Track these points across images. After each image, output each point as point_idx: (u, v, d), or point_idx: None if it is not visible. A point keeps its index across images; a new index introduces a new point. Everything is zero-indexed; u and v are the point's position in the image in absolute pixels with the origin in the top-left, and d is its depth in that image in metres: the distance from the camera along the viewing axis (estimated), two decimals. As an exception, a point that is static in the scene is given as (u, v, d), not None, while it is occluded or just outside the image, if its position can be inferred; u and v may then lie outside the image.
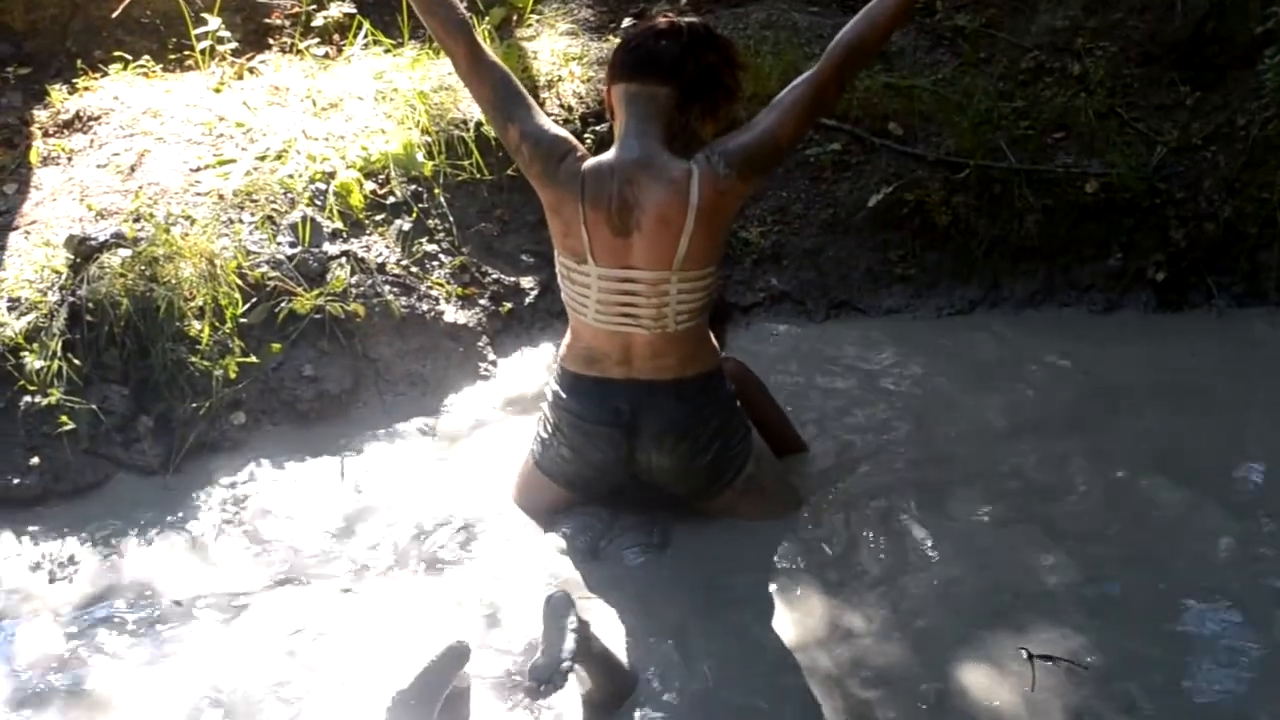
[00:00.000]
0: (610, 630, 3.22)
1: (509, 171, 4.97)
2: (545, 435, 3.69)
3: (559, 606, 2.97)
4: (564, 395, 3.62)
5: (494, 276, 4.81)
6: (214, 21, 5.32)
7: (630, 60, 3.47)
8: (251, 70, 5.37)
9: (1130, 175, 5.11)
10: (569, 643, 2.89)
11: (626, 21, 5.70)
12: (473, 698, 3.11)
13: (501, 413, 4.33)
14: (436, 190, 4.85)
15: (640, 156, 3.43)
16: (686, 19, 3.59)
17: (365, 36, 5.43)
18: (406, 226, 4.67)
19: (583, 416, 3.58)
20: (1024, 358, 4.70)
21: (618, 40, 3.58)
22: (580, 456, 3.63)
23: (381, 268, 4.50)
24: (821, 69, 3.42)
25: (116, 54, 5.32)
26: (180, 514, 3.83)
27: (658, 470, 3.62)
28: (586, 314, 3.52)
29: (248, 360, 4.14)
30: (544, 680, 2.85)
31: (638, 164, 3.42)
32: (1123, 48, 5.59)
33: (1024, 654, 3.19)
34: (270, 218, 4.48)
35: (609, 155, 3.49)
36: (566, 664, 2.87)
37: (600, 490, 3.70)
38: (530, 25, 5.72)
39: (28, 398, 3.92)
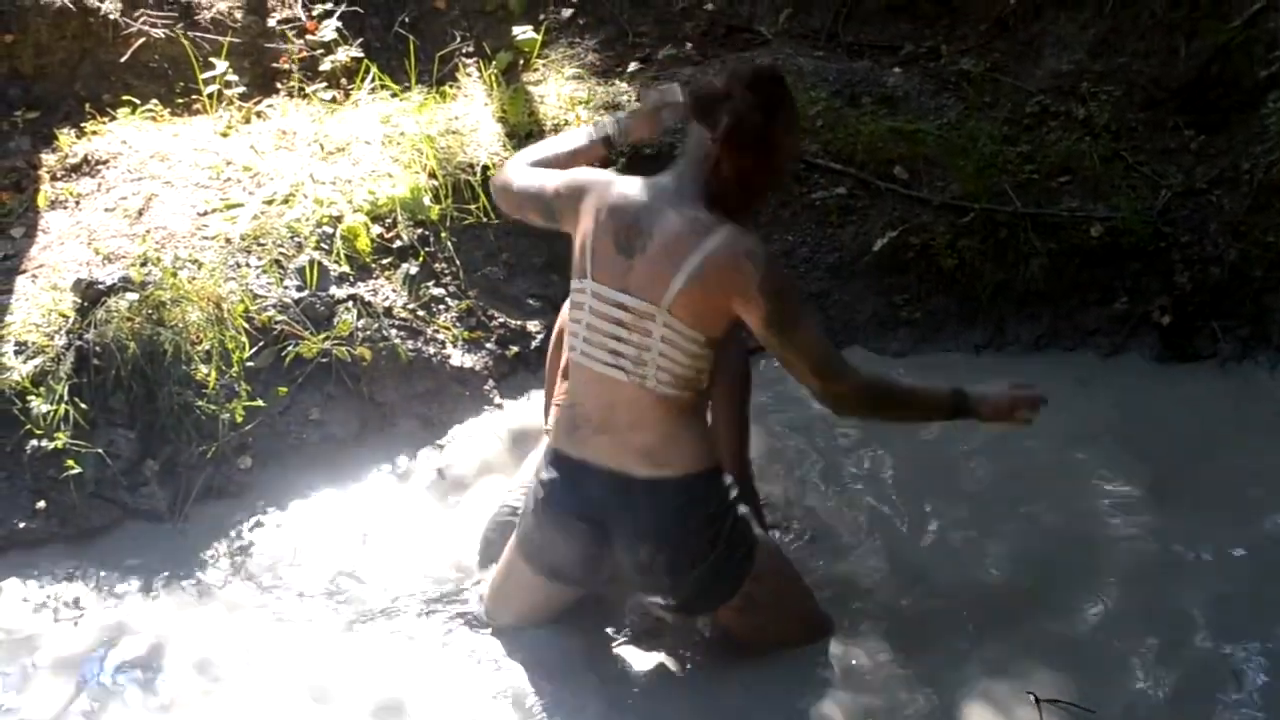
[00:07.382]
0: None
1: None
2: (527, 508, 3.45)
3: None
4: (543, 467, 3.40)
5: (500, 320, 4.82)
6: (221, 66, 5.35)
7: (691, 100, 3.31)
8: (259, 114, 5.39)
9: (1135, 219, 5.11)
10: None
11: (633, 65, 5.73)
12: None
13: (508, 457, 4.31)
14: (443, 234, 4.86)
15: (672, 190, 3.25)
16: (762, 66, 3.46)
17: (372, 81, 5.45)
18: (413, 270, 4.67)
19: (554, 500, 3.34)
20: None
21: None
22: (550, 542, 3.37)
23: (388, 311, 4.50)
24: (849, 385, 3.25)
25: (124, 98, 5.34)
26: (186, 560, 3.84)
27: (636, 578, 3.34)
28: (576, 343, 3.30)
29: (254, 404, 4.14)
30: None
31: (666, 196, 3.24)
32: (1127, 92, 5.60)
33: (1031, 698, 3.21)
34: (277, 261, 4.49)
35: (646, 180, 3.32)
36: None
37: (575, 582, 3.45)
38: (537, 70, 5.74)
39: (34, 441, 3.92)
